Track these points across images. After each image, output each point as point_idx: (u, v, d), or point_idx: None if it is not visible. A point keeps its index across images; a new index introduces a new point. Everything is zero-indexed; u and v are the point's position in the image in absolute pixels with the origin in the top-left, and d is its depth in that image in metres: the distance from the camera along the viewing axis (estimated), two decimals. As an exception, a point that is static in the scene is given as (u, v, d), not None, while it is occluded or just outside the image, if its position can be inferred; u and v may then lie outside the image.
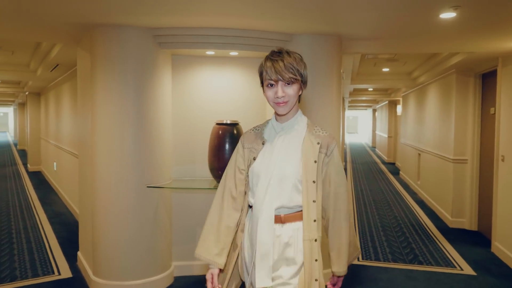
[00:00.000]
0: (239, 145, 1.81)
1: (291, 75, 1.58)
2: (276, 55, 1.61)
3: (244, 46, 3.36)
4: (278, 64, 1.58)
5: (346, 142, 19.85)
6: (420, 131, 7.83)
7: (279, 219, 1.65)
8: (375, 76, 7.93)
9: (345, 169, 11.35)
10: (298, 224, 1.64)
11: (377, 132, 17.65)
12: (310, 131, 1.71)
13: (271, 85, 1.61)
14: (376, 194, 7.96)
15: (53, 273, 3.85)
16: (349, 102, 14.75)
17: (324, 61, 3.52)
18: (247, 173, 1.73)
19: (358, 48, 4.28)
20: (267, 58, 1.62)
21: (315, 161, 1.64)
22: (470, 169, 5.42)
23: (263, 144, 1.73)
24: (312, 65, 3.48)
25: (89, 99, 3.53)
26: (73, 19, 3.00)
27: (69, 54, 4.63)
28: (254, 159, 1.72)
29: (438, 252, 4.53)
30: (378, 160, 13.91)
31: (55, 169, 7.99)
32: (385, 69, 7.34)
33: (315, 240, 1.63)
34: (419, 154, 7.82)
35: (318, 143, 1.67)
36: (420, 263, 4.20)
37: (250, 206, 1.73)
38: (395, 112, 13.22)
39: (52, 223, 5.55)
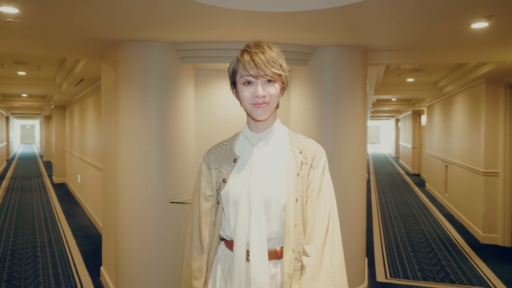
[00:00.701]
0: (202, 167, 1.49)
1: (275, 70, 1.31)
2: (255, 47, 1.33)
3: (267, 59, 3.31)
4: (258, 57, 1.30)
5: (368, 152, 19.54)
6: (447, 142, 7.61)
7: (274, 255, 1.34)
8: (399, 86, 7.77)
9: (368, 181, 11.13)
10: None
11: (400, 142, 17.32)
12: (292, 141, 1.43)
13: (249, 82, 1.33)
14: (402, 207, 7.75)
15: (76, 288, 3.84)
16: (372, 112, 14.53)
17: (349, 73, 3.45)
18: (217, 199, 1.42)
19: (383, 59, 4.19)
20: (244, 51, 1.34)
21: (298, 174, 1.36)
22: (502, 182, 5.20)
23: (234, 161, 1.42)
24: (337, 77, 3.41)
25: (112, 113, 3.53)
26: (97, 35, 3.02)
27: (93, 69, 4.69)
28: (225, 181, 1.41)
29: (470, 270, 4.34)
30: (402, 171, 13.61)
31: (79, 181, 8.08)
32: (410, 79, 7.18)
33: (293, 274, 1.33)
34: (446, 166, 7.59)
35: (300, 152, 1.39)
36: (452, 281, 4.02)
37: (223, 239, 1.45)
38: (420, 122, 12.94)
39: (76, 237, 5.59)
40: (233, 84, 1.40)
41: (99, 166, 5.27)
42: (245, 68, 1.31)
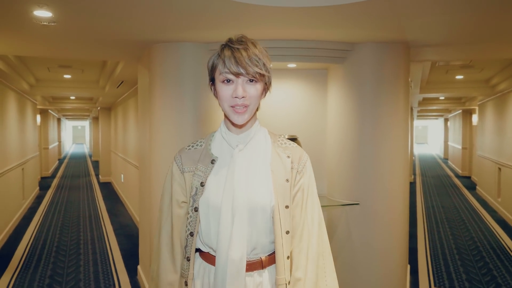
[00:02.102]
0: (173, 169, 1.34)
1: (257, 69, 1.18)
2: (237, 42, 1.21)
3: (303, 57, 3.21)
4: (240, 53, 1.18)
5: (415, 153, 18.83)
6: (501, 143, 7.13)
7: (259, 264, 1.25)
8: (447, 84, 7.37)
9: (414, 183, 10.69)
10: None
11: (449, 143, 16.55)
12: (275, 143, 1.33)
13: (228, 81, 1.21)
14: (450, 211, 7.34)
15: (114, 286, 3.90)
16: (418, 111, 13.96)
17: (390, 71, 3.27)
18: (194, 206, 1.27)
19: (428, 55, 3.94)
20: (225, 45, 1.23)
21: (287, 180, 1.26)
22: (562, 187, 4.78)
23: (212, 163, 1.29)
24: (377, 75, 3.24)
25: (147, 113, 3.56)
26: (130, 37, 3.03)
27: (132, 71, 4.77)
28: (202, 185, 1.27)
29: (525, 281, 4.01)
30: (451, 174, 12.97)
31: (122, 180, 8.31)
32: (459, 77, 6.79)
33: (288, 283, 1.25)
34: (500, 169, 7.12)
35: (288, 157, 1.29)
36: (504, 294, 3.72)
37: (199, 251, 1.31)
38: (470, 122, 12.28)
39: (117, 235, 5.72)
40: (212, 80, 1.28)
41: (138, 166, 5.36)
42: (225, 64, 1.19)
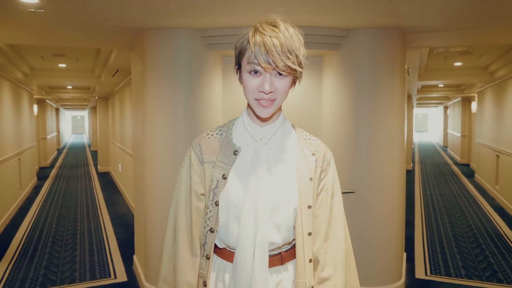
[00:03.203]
0: (192, 158, 1.23)
1: (289, 63, 1.06)
2: (269, 28, 1.08)
3: (297, 44, 3.15)
4: (272, 42, 1.05)
5: (414, 141, 18.79)
6: (499, 130, 7.09)
7: (278, 260, 1.18)
8: (446, 71, 7.30)
9: (413, 171, 10.67)
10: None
11: (449, 131, 16.51)
12: (300, 139, 1.25)
13: (255, 72, 1.10)
14: (448, 199, 7.33)
15: (110, 276, 3.90)
16: (417, 99, 13.89)
17: (386, 57, 3.22)
18: (215, 200, 1.18)
19: (425, 41, 3.88)
20: (256, 30, 1.09)
21: (311, 179, 1.19)
22: (560, 174, 4.76)
23: (235, 154, 1.19)
24: (372, 61, 3.19)
25: (140, 102, 3.51)
26: (121, 24, 2.98)
27: (126, 60, 4.71)
28: (225, 177, 1.17)
29: (521, 269, 4.00)
30: (450, 161, 12.95)
31: (120, 170, 8.29)
32: (458, 64, 6.72)
33: None
34: (498, 156, 7.09)
35: (313, 154, 1.22)
36: (500, 280, 3.72)
37: (219, 248, 1.23)
38: (469, 109, 12.22)
39: (114, 225, 5.71)
40: (238, 65, 1.17)
41: (133, 155, 5.33)
42: (255, 53, 1.07)
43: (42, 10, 2.49)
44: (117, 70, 5.72)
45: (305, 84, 3.51)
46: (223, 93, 3.51)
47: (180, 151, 3.19)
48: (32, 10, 2.44)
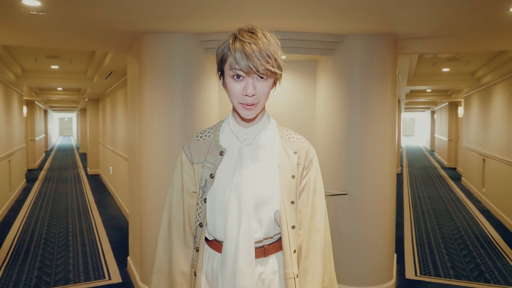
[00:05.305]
0: (183, 159, 1.34)
1: (269, 67, 1.14)
2: (248, 35, 1.15)
3: (292, 49, 3.23)
4: (251, 48, 1.13)
5: (402, 145, 19.03)
6: (485, 135, 7.26)
7: (261, 252, 1.27)
8: (434, 76, 7.46)
9: (401, 174, 10.83)
10: (280, 255, 1.31)
11: (436, 135, 16.77)
12: (283, 137, 1.32)
13: (238, 76, 1.17)
14: (435, 201, 7.48)
15: (104, 277, 3.91)
16: (406, 104, 14.09)
17: (378, 63, 3.31)
18: (204, 198, 1.28)
19: (415, 48, 4.00)
20: (236, 37, 1.17)
21: (293, 176, 1.27)
22: (544, 177, 4.91)
23: (221, 154, 1.29)
24: (365, 67, 3.28)
25: (137, 105, 3.55)
26: (120, 27, 3.02)
27: (121, 62, 4.74)
28: (212, 177, 1.28)
29: (507, 269, 4.12)
30: (437, 165, 13.17)
31: (111, 172, 8.27)
32: (445, 69, 6.88)
33: (297, 277, 1.27)
34: (484, 160, 7.26)
35: (295, 153, 1.29)
36: (487, 281, 3.83)
37: (209, 240, 1.34)
38: (456, 114, 12.46)
39: (106, 227, 5.71)
40: (220, 71, 1.25)
41: (128, 158, 5.35)
42: (236, 60, 1.14)
43: (43, 13, 2.52)
44: (110, 72, 5.74)
45: (300, 88, 3.58)
46: (219, 96, 3.57)
47: (177, 153, 3.24)
48: (33, 12, 2.48)
